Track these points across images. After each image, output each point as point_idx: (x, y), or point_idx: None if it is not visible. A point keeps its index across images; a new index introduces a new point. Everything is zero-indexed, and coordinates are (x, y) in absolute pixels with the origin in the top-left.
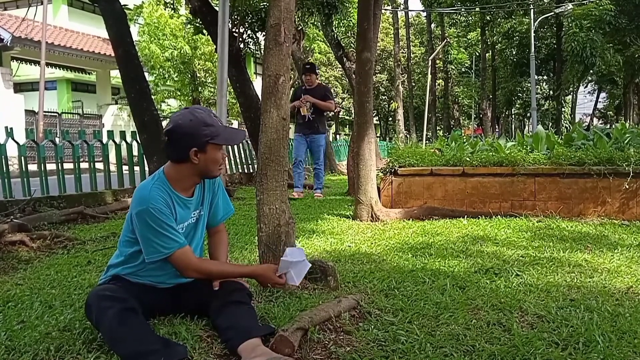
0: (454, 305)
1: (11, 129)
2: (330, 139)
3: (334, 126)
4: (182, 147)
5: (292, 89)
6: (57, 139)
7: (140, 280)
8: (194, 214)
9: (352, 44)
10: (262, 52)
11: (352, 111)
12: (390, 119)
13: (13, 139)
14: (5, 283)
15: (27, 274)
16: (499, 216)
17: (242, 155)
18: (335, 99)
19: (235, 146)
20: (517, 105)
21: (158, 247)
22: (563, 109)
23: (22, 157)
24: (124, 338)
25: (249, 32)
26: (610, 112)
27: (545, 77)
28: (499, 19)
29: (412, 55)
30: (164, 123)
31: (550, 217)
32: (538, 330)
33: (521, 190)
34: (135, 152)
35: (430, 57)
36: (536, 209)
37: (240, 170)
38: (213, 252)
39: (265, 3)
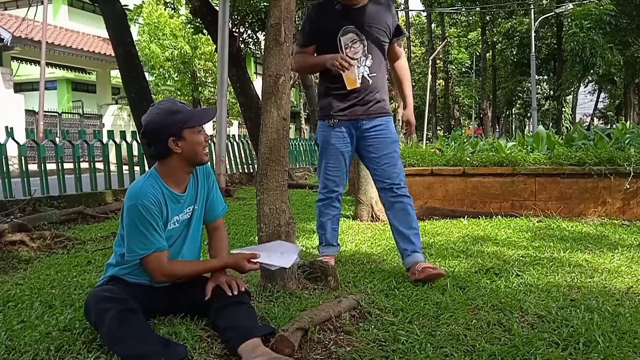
0: (454, 306)
1: (11, 128)
2: None
3: None
4: (161, 141)
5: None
6: (57, 139)
7: (137, 280)
8: (188, 209)
9: None
10: (262, 52)
11: None
12: None
13: (13, 138)
14: (6, 283)
15: (27, 273)
16: (499, 216)
17: (242, 155)
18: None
19: (236, 146)
20: (517, 105)
21: (135, 248)
22: (563, 109)
23: (22, 157)
24: (123, 339)
25: (249, 32)
26: (611, 112)
27: (545, 77)
28: (499, 19)
29: (412, 55)
30: None
31: (551, 217)
32: (538, 331)
33: (522, 190)
34: (135, 152)
35: (431, 57)
36: (536, 209)
37: (240, 170)
38: (213, 253)
39: (265, 3)
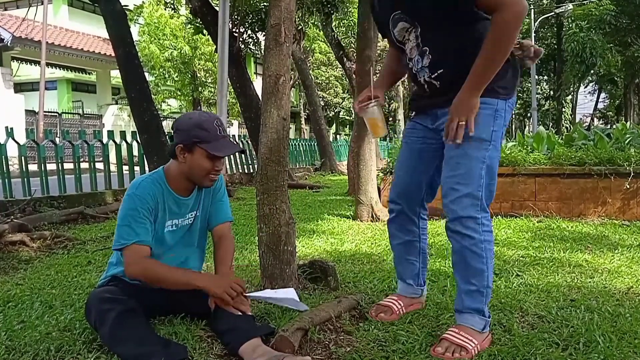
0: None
1: (11, 129)
2: (331, 139)
3: (334, 126)
4: (175, 142)
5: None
6: (57, 139)
7: (136, 282)
8: (190, 215)
9: (352, 44)
10: (262, 52)
11: (352, 111)
12: (391, 119)
13: (13, 139)
14: (6, 283)
15: (27, 274)
16: (499, 216)
17: (242, 156)
18: None
19: None
20: (517, 106)
21: (118, 237)
22: (563, 109)
23: (23, 157)
24: (124, 339)
25: (249, 32)
26: (611, 113)
27: (545, 77)
28: None
29: None
30: (165, 123)
31: (551, 217)
32: (538, 331)
33: (522, 190)
34: (135, 152)
35: None
36: (536, 209)
37: (240, 170)
38: (215, 264)
39: (265, 3)
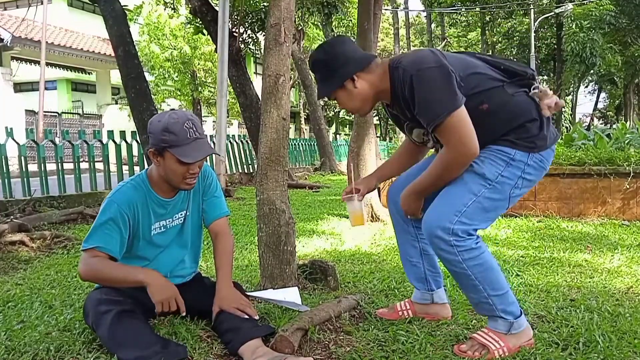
0: (454, 306)
1: (11, 129)
2: (331, 139)
3: (334, 126)
4: (148, 145)
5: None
6: (57, 139)
7: None
8: (180, 215)
9: None
10: (262, 52)
11: None
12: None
13: (13, 139)
14: (5, 283)
15: (27, 274)
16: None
17: (242, 155)
18: None
19: (235, 146)
20: None
21: (86, 238)
22: (563, 109)
23: (22, 157)
24: (123, 340)
25: (249, 32)
26: (611, 112)
27: (545, 77)
28: (499, 19)
29: None
30: None
31: (551, 217)
32: (538, 330)
33: None
34: (135, 152)
35: None
36: (536, 209)
37: (240, 170)
38: (215, 259)
39: (265, 3)
